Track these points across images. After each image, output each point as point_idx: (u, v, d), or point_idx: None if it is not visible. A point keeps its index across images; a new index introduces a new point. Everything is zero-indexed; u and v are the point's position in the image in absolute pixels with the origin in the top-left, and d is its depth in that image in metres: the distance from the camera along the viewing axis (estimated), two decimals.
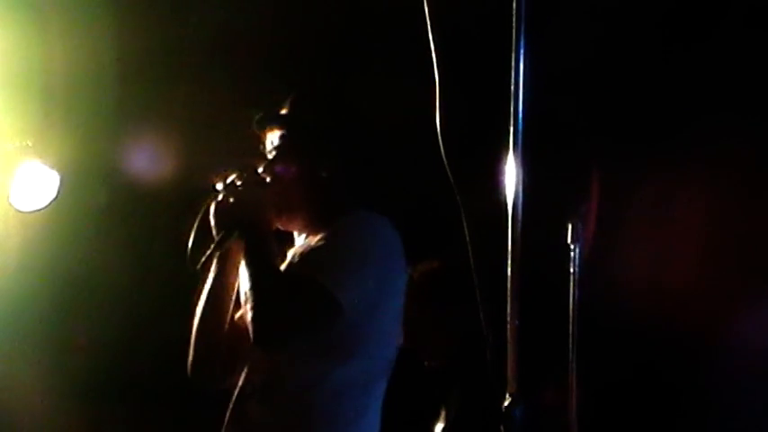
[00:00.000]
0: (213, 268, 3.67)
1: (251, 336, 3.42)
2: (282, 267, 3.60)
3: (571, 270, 3.74)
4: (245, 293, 3.46)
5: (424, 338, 4.40)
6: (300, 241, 3.71)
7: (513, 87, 3.07)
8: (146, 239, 6.05)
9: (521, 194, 3.08)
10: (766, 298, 5.88)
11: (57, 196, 5.59)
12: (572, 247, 3.69)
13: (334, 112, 3.71)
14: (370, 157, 3.73)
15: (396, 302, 3.60)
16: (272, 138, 3.67)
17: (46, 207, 5.59)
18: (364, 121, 3.74)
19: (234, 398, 3.64)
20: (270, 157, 3.66)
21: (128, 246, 6.06)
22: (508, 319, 3.20)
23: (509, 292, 3.16)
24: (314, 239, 3.58)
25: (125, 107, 5.91)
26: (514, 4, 3.15)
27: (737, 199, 5.97)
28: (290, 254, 3.68)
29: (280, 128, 3.66)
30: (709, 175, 5.96)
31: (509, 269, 3.21)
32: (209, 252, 3.59)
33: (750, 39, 5.63)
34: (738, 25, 5.61)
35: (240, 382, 3.64)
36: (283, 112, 3.71)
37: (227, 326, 3.68)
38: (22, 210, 5.61)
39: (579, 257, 3.69)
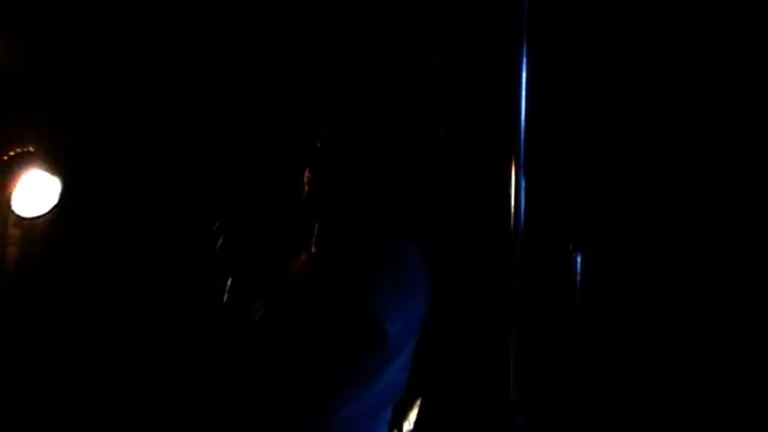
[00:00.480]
0: None
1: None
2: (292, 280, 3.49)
3: (574, 278, 3.75)
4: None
5: None
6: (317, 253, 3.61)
7: (516, 96, 3.07)
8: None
9: (523, 203, 3.08)
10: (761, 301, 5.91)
11: (58, 202, 5.60)
12: (574, 255, 3.70)
13: (361, 143, 3.59)
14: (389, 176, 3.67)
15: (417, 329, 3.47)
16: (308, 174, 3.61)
17: (47, 213, 5.60)
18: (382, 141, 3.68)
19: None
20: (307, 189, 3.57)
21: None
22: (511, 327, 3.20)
23: (511, 301, 3.17)
24: (340, 254, 3.47)
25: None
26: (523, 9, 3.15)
27: (733, 199, 6.01)
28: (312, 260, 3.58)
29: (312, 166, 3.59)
30: (705, 178, 6.00)
31: (512, 277, 3.21)
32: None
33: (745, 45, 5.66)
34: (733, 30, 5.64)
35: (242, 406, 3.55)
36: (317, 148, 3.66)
37: None
38: (23, 216, 5.63)
39: (581, 265, 3.70)
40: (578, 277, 3.70)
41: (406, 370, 3.47)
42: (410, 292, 3.35)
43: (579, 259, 3.68)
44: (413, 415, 4.16)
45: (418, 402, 4.16)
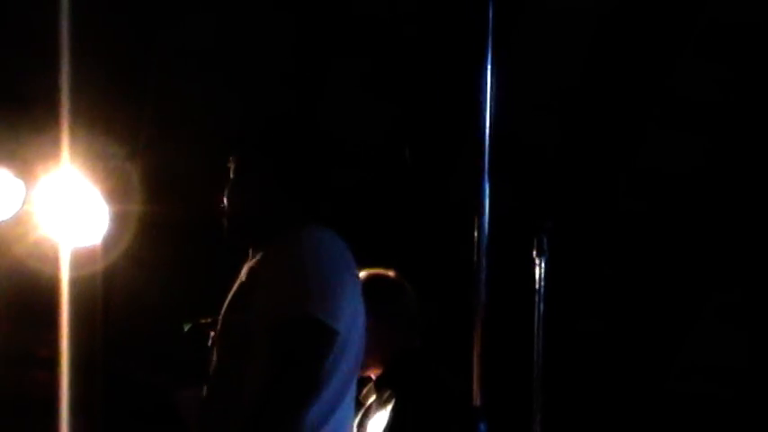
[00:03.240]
0: None
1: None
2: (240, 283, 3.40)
3: (536, 284, 3.79)
4: None
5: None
6: (251, 259, 3.49)
7: (480, 107, 3.10)
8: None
9: (487, 210, 3.11)
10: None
11: (22, 206, 5.59)
12: (537, 260, 3.74)
13: (273, 127, 3.57)
14: (327, 172, 3.63)
15: (361, 311, 3.41)
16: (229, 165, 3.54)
17: (12, 217, 5.59)
18: (323, 140, 3.67)
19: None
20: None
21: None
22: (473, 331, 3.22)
23: (474, 305, 3.19)
24: (268, 256, 3.37)
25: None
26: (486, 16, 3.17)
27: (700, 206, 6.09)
28: (245, 268, 3.45)
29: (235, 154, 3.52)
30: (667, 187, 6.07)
31: (476, 282, 3.23)
32: None
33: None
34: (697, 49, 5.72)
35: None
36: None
37: None
38: None
39: (544, 271, 3.74)
40: (541, 280, 3.75)
41: (361, 345, 3.42)
42: (341, 280, 3.30)
43: (543, 256, 3.73)
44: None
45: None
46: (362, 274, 4.16)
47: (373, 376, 4.20)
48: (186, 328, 3.80)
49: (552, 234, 3.71)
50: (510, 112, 3.14)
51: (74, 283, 5.39)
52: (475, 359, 3.24)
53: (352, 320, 3.32)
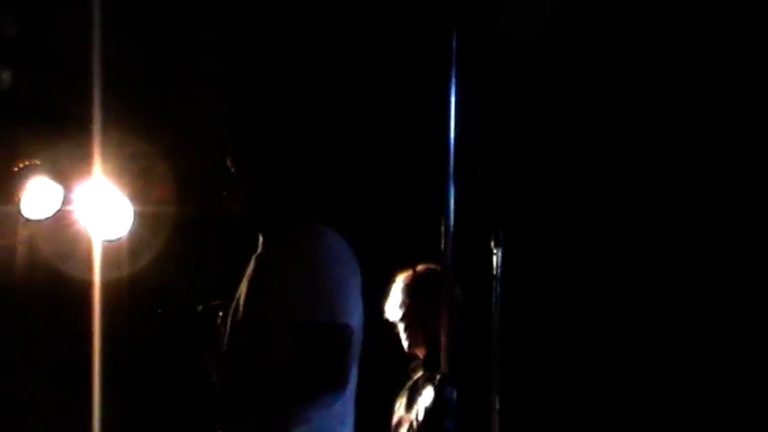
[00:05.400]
0: None
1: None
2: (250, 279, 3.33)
3: (494, 271, 3.73)
4: None
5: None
6: (260, 249, 3.39)
7: (446, 121, 3.06)
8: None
9: (452, 208, 3.07)
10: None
11: (61, 207, 5.51)
12: (495, 251, 3.68)
13: (273, 132, 3.41)
14: (320, 170, 3.45)
15: (361, 305, 3.26)
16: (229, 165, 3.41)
17: (52, 216, 5.52)
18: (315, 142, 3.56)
19: None
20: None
21: None
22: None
23: (445, 291, 3.15)
24: (278, 254, 3.25)
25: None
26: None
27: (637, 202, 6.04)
28: (253, 260, 3.37)
29: (229, 155, 3.40)
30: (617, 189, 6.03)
31: (443, 267, 3.20)
32: None
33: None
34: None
35: None
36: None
37: None
38: (30, 218, 5.55)
39: (501, 260, 3.68)
40: (499, 269, 3.68)
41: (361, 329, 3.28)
42: (352, 279, 3.21)
43: (500, 250, 3.66)
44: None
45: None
46: (418, 267, 4.21)
47: (420, 355, 4.19)
48: (199, 308, 3.75)
49: (507, 228, 3.65)
50: (472, 124, 3.10)
51: (104, 271, 5.35)
52: (443, 335, 3.21)
53: (358, 316, 3.21)
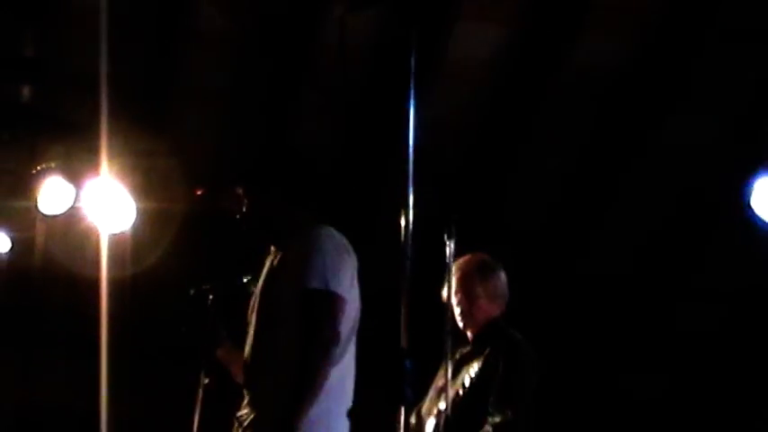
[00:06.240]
0: None
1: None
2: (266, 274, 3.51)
3: (447, 259, 3.77)
4: None
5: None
6: (274, 252, 3.57)
7: (405, 132, 3.08)
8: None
9: (411, 206, 3.09)
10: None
11: (73, 204, 5.52)
12: (447, 243, 3.71)
13: (277, 162, 3.62)
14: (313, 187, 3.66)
15: (355, 285, 3.46)
16: (240, 191, 3.60)
17: (66, 213, 5.52)
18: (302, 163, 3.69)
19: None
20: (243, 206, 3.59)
21: None
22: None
23: (402, 275, 3.17)
24: (289, 252, 3.46)
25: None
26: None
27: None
28: (268, 261, 3.55)
29: (240, 184, 3.60)
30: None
31: (402, 257, 3.20)
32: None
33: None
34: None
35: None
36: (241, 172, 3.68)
37: None
38: (46, 213, 5.55)
39: (453, 248, 3.71)
40: (451, 257, 3.71)
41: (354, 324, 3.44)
42: (347, 261, 3.38)
43: (452, 243, 3.70)
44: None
45: None
46: (472, 256, 4.21)
47: (470, 333, 4.17)
48: (192, 292, 3.79)
49: (459, 223, 3.69)
50: (428, 134, 3.12)
51: (110, 260, 5.35)
52: (403, 314, 3.21)
53: (349, 291, 3.37)
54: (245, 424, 3.42)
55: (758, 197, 4.94)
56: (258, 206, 3.54)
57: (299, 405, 3.26)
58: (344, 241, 3.43)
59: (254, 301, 3.53)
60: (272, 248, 3.56)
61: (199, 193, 3.90)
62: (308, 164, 3.66)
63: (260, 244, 3.61)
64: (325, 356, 3.28)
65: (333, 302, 3.30)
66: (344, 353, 3.40)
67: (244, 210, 3.56)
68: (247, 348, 3.49)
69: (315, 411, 3.27)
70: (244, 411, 3.46)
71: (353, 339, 3.46)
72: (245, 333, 3.58)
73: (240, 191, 3.58)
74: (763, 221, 4.95)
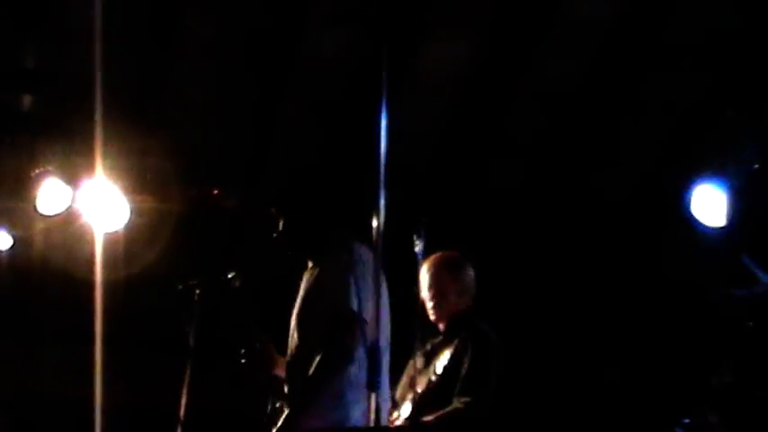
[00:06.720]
0: None
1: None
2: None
3: (416, 256, 3.78)
4: None
5: None
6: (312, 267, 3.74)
7: (377, 139, 3.09)
8: None
9: (383, 208, 3.10)
10: None
11: (70, 204, 5.50)
12: (416, 241, 3.74)
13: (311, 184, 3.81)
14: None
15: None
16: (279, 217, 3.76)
17: (63, 213, 5.51)
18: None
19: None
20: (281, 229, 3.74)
21: None
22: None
23: (374, 275, 3.17)
24: (324, 268, 3.63)
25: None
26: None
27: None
28: (307, 274, 3.71)
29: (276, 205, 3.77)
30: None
31: (375, 255, 3.21)
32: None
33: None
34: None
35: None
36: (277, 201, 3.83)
37: None
38: (44, 213, 5.53)
39: (423, 247, 3.74)
40: (420, 254, 3.74)
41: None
42: (353, 276, 3.52)
43: (421, 243, 3.72)
44: None
45: None
46: (443, 254, 4.24)
47: (441, 327, 4.21)
48: (180, 287, 3.80)
49: (427, 225, 3.71)
50: (398, 142, 3.14)
51: (104, 257, 5.34)
52: (376, 309, 3.21)
53: (365, 306, 3.50)
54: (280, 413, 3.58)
55: (698, 203, 5.02)
56: (295, 226, 3.68)
57: (300, 410, 3.46)
58: (371, 257, 3.46)
59: (296, 307, 3.69)
60: (309, 264, 3.71)
61: (215, 192, 4.05)
62: (339, 184, 3.80)
63: (298, 259, 3.75)
64: (334, 370, 3.45)
65: (349, 322, 3.44)
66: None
67: (281, 229, 3.70)
68: (289, 348, 3.65)
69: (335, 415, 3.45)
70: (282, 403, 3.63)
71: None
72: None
73: (275, 211, 3.73)
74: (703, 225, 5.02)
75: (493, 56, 5.55)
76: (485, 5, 5.35)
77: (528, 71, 5.59)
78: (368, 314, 3.45)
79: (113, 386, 5.10)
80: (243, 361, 3.74)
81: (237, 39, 5.57)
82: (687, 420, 4.55)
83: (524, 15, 5.39)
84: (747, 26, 5.26)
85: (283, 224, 3.70)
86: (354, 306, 3.44)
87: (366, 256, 3.54)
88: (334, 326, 3.45)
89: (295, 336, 3.63)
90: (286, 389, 3.64)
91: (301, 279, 3.73)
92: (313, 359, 3.47)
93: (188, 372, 3.80)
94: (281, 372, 3.75)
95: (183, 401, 3.82)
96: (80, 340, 5.25)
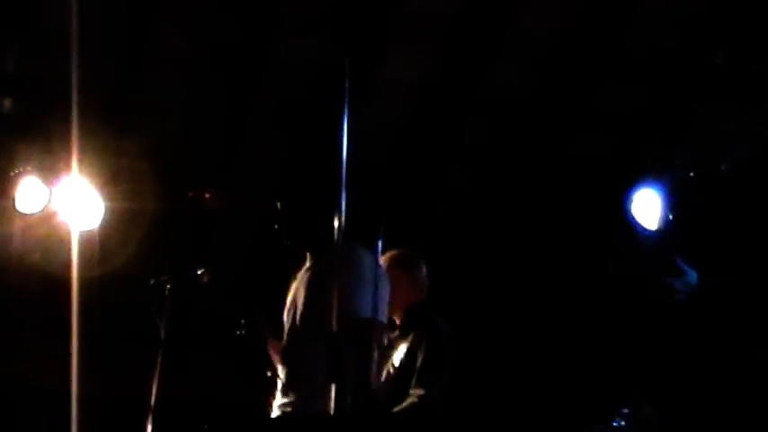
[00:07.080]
0: None
1: None
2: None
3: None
4: None
5: None
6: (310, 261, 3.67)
7: (339, 144, 3.10)
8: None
9: (344, 208, 3.10)
10: None
11: (47, 203, 5.47)
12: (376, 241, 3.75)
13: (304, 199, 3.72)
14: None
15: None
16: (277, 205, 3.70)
17: (41, 211, 5.48)
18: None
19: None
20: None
21: None
22: None
23: (334, 272, 3.16)
24: (324, 266, 3.53)
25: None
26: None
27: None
28: (304, 269, 3.63)
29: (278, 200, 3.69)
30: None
31: (334, 254, 3.19)
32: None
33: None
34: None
35: None
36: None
37: None
38: (23, 211, 5.49)
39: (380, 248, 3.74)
40: (378, 253, 3.75)
41: None
42: (364, 280, 3.41)
43: (380, 243, 3.74)
44: None
45: None
46: (397, 251, 4.23)
47: (397, 320, 4.22)
48: (152, 282, 3.79)
49: (386, 224, 3.72)
50: (359, 146, 3.15)
51: (80, 254, 5.32)
52: (335, 305, 3.21)
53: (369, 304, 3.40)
54: (288, 408, 3.48)
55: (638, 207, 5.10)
56: (296, 220, 3.60)
57: None
58: (371, 258, 3.45)
59: (290, 303, 3.59)
60: (308, 257, 3.62)
61: (207, 195, 4.00)
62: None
63: (297, 253, 3.66)
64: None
65: (369, 327, 3.29)
66: None
67: (281, 222, 3.61)
68: (284, 343, 3.55)
69: None
70: (284, 400, 3.51)
71: None
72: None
73: (278, 205, 3.64)
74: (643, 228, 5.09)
75: (449, 66, 5.61)
76: (441, 19, 5.40)
77: (482, 80, 5.66)
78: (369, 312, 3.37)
79: (89, 377, 5.09)
80: (243, 332, 3.64)
81: (209, 46, 5.57)
82: (625, 410, 4.59)
83: (478, 28, 5.45)
84: (682, 44, 5.37)
85: (285, 216, 3.64)
86: (364, 310, 3.34)
87: (367, 256, 3.49)
88: (353, 328, 3.22)
89: (296, 324, 3.53)
90: (283, 383, 3.55)
91: (297, 271, 3.66)
92: (313, 350, 3.38)
93: (159, 363, 3.79)
94: (273, 355, 3.69)
95: (154, 391, 3.81)
96: (57, 334, 5.23)
